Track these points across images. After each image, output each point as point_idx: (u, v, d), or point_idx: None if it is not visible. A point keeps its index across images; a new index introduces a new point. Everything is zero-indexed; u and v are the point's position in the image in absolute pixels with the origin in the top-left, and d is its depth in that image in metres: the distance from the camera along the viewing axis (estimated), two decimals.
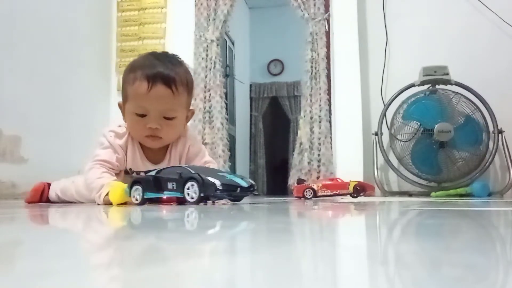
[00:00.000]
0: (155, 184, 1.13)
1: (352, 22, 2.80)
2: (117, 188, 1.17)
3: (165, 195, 1.14)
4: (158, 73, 1.23)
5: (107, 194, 1.19)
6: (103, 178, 1.26)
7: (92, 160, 1.30)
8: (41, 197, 1.45)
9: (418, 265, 0.29)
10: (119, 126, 1.35)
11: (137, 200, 1.14)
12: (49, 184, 1.49)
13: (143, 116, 1.26)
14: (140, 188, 1.14)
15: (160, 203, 1.21)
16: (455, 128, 2.35)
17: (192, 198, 1.08)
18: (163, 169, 1.17)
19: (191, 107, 1.39)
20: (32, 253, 0.36)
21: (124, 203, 1.17)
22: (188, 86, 1.31)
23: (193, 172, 1.10)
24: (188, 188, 1.09)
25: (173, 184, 1.12)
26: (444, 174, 2.42)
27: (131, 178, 1.20)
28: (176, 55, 1.38)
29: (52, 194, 1.46)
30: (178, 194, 1.11)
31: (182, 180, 1.10)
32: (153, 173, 1.16)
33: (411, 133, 2.49)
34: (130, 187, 1.16)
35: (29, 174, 2.28)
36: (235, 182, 1.12)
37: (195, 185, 1.07)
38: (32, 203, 1.42)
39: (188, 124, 1.44)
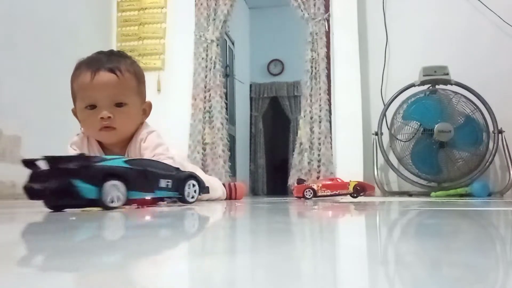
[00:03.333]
0: (141, 180, 0.96)
1: (352, 22, 2.80)
2: None
3: (155, 196, 1.01)
4: (101, 63, 1.23)
5: None
6: None
7: None
8: None
9: (418, 265, 0.29)
10: (77, 134, 1.34)
11: (116, 201, 0.88)
12: None
13: (93, 107, 1.23)
14: (120, 184, 0.90)
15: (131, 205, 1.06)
16: (455, 128, 2.35)
17: (193, 197, 1.05)
18: (131, 160, 1.00)
19: (146, 100, 1.35)
20: (32, 253, 0.36)
21: None
22: (136, 75, 1.29)
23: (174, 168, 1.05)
24: (189, 188, 1.05)
25: (168, 182, 1.02)
26: (444, 174, 2.42)
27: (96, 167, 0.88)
28: (124, 52, 1.38)
29: None
30: (175, 194, 1.04)
31: (180, 178, 1.04)
32: (120, 163, 0.94)
33: (411, 133, 2.48)
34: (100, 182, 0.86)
35: None
36: None
37: (196, 185, 1.05)
38: None
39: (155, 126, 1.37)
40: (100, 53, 1.30)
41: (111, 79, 1.22)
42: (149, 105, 1.36)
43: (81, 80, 1.23)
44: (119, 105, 1.24)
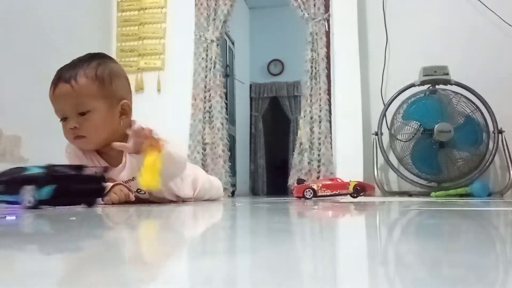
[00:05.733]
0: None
1: (352, 22, 2.80)
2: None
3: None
4: (59, 74, 1.24)
5: (106, 194, 1.21)
6: None
7: None
8: None
9: (418, 265, 0.29)
10: None
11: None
12: None
13: (65, 120, 1.26)
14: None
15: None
16: (455, 128, 2.35)
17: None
18: None
19: (124, 100, 1.31)
20: (32, 253, 0.36)
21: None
22: (98, 78, 1.25)
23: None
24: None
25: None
26: (444, 174, 2.42)
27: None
28: (100, 53, 1.35)
29: None
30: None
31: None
32: None
33: (411, 133, 2.48)
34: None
35: None
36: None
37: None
38: None
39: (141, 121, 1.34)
40: (70, 61, 1.30)
41: (65, 90, 1.23)
42: (127, 104, 1.31)
43: (48, 95, 1.26)
44: (82, 113, 1.24)
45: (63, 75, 1.23)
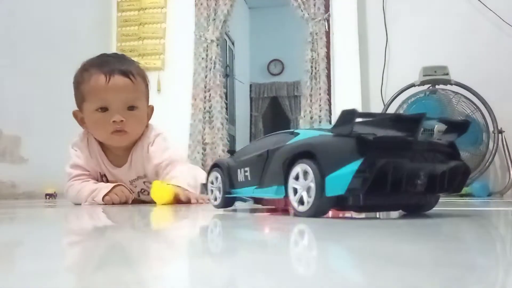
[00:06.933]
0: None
1: (352, 22, 2.80)
2: (160, 187, 1.14)
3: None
4: (114, 66, 1.24)
5: (107, 194, 1.21)
6: (88, 183, 1.27)
7: (67, 179, 1.31)
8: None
9: (418, 265, 0.29)
10: (79, 135, 1.35)
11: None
12: None
13: (105, 110, 1.23)
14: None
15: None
16: None
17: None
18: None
19: (149, 104, 1.36)
20: (32, 253, 0.36)
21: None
22: (145, 79, 1.31)
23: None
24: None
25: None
26: None
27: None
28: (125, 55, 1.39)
29: None
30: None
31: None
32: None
33: None
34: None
35: (29, 174, 2.28)
36: None
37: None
38: None
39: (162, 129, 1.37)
40: (107, 55, 1.31)
41: (126, 83, 1.23)
42: (152, 109, 1.36)
43: (94, 83, 1.22)
44: (130, 108, 1.24)
45: (118, 67, 1.23)
